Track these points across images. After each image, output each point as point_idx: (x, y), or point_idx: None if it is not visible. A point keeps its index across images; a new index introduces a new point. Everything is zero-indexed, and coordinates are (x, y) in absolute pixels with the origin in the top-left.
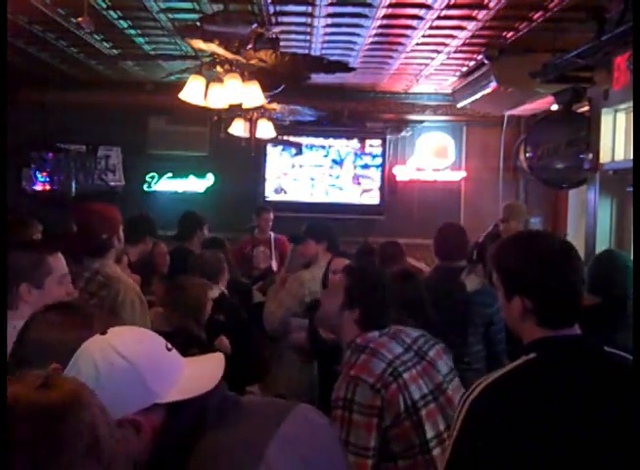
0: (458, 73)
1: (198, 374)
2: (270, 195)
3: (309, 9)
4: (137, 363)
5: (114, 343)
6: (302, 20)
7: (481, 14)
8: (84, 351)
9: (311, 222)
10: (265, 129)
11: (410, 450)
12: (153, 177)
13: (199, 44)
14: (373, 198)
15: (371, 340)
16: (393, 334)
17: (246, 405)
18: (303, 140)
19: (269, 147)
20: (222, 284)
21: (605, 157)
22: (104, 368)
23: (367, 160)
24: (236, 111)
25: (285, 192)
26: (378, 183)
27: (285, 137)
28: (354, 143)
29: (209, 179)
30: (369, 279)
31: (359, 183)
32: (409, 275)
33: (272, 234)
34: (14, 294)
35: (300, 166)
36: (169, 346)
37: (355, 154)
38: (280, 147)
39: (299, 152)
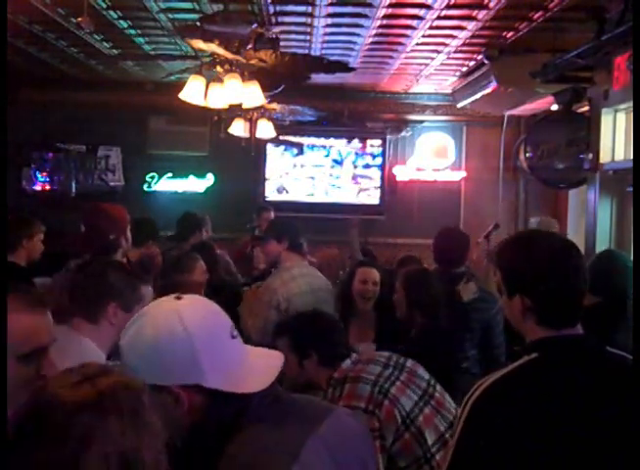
0: (458, 73)
1: (254, 369)
2: (271, 195)
3: (309, 9)
4: (195, 340)
5: (183, 312)
6: (302, 20)
7: (481, 14)
8: (151, 310)
9: (274, 220)
10: (265, 129)
11: (415, 463)
12: (153, 177)
13: (199, 44)
14: (373, 198)
15: (347, 370)
16: (367, 360)
17: (287, 402)
18: (304, 140)
19: (270, 147)
20: None
21: (605, 157)
22: (163, 334)
23: (368, 159)
24: (236, 111)
25: (287, 191)
26: (378, 183)
27: (285, 137)
28: (355, 143)
29: (209, 179)
30: (307, 325)
31: (359, 183)
32: (424, 275)
33: None
34: (100, 308)
35: (302, 166)
36: (235, 333)
37: (356, 154)
38: (282, 147)
39: (301, 152)
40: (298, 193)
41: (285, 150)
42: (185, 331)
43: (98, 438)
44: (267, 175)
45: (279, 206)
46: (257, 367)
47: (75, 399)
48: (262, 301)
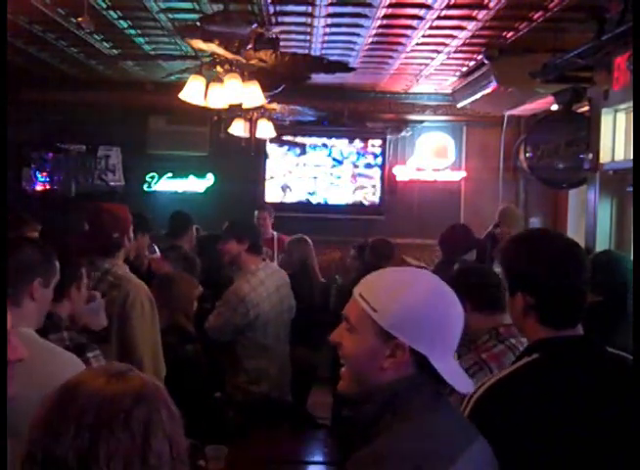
0: (458, 73)
1: (460, 374)
2: (272, 194)
3: (309, 9)
4: (450, 323)
5: (454, 297)
6: (302, 20)
7: (481, 14)
8: (425, 276)
9: (235, 219)
10: (265, 129)
11: None
12: (153, 177)
13: (199, 44)
14: (373, 198)
15: (513, 335)
16: None
17: (447, 412)
18: (305, 140)
19: (272, 146)
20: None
21: (605, 157)
22: (437, 301)
23: (370, 159)
24: (236, 111)
25: (290, 190)
26: (378, 183)
27: (285, 137)
28: (356, 143)
29: (209, 179)
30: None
31: (359, 183)
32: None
33: (275, 233)
34: (24, 288)
35: (304, 165)
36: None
37: (358, 153)
38: (285, 146)
39: (304, 151)
40: (301, 192)
41: (288, 150)
42: (446, 306)
43: (156, 423)
44: (271, 174)
45: (280, 206)
46: (463, 373)
47: (129, 391)
48: (229, 304)
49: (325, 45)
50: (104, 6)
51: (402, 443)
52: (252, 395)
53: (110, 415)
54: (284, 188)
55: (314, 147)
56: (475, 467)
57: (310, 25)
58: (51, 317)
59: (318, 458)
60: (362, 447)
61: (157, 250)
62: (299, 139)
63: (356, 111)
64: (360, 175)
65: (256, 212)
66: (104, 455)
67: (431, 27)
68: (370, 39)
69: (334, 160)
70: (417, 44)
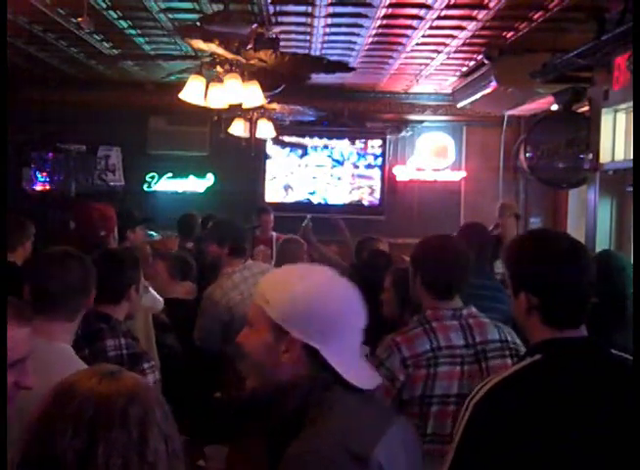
0: (458, 73)
1: (363, 368)
2: (272, 195)
3: (309, 9)
4: (342, 313)
5: (343, 285)
6: (302, 20)
7: (481, 14)
8: (314, 270)
9: (218, 220)
10: (265, 129)
11: None
12: (153, 177)
13: (199, 44)
14: (372, 198)
15: (438, 319)
16: (468, 326)
17: (361, 399)
18: (306, 141)
19: (274, 147)
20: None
21: (605, 157)
22: (323, 293)
23: (370, 159)
24: (236, 111)
25: (292, 189)
26: (378, 183)
27: (287, 138)
28: (357, 143)
29: (209, 179)
30: (429, 247)
31: (359, 183)
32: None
33: (274, 234)
34: (86, 301)
35: (306, 166)
36: (362, 328)
37: (358, 154)
38: (288, 148)
39: (305, 152)
40: (302, 192)
41: (291, 151)
42: (339, 300)
43: (151, 421)
44: (274, 175)
45: (280, 206)
46: (365, 368)
47: (123, 390)
48: (205, 312)
49: (325, 45)
50: (104, 6)
51: (332, 432)
52: (242, 393)
53: (106, 414)
54: (286, 188)
55: (315, 148)
56: (398, 445)
57: (310, 25)
58: (109, 321)
59: None
60: (290, 443)
61: (154, 234)
62: (300, 140)
63: (356, 111)
64: (360, 176)
65: (259, 214)
66: (102, 454)
67: (431, 27)
68: (370, 39)
69: (334, 160)
70: (417, 44)
